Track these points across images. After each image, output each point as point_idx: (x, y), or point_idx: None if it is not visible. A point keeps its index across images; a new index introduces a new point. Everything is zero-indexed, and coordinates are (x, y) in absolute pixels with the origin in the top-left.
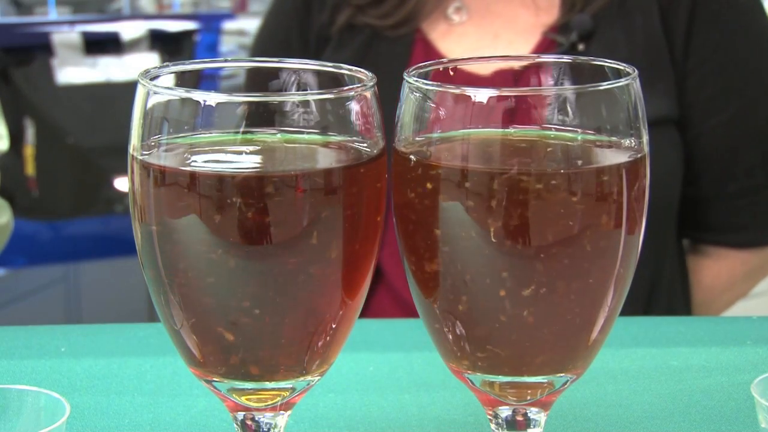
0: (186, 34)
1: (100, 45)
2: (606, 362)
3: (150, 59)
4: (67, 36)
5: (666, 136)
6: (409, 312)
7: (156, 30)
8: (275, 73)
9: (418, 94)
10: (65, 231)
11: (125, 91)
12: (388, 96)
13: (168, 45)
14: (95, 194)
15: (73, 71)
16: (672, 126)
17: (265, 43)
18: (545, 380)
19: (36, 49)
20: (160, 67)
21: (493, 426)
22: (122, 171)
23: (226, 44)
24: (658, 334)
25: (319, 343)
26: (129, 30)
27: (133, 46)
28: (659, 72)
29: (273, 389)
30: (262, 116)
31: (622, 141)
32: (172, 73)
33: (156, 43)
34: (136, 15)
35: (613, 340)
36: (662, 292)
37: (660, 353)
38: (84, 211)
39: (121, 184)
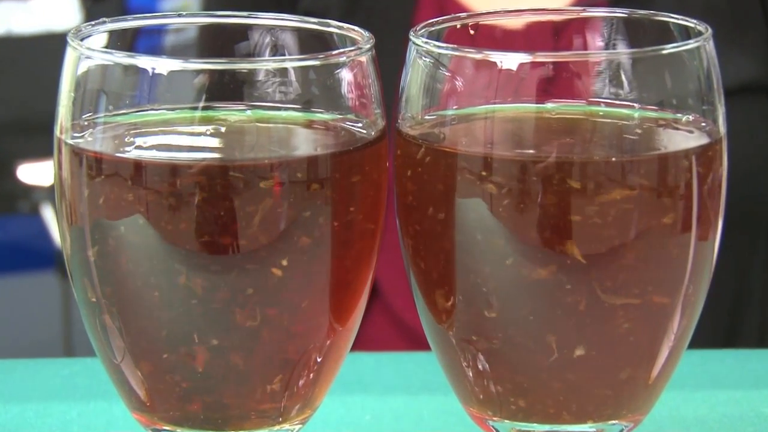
0: None
1: None
2: (675, 407)
3: (65, 5)
4: None
5: (754, 108)
6: (415, 341)
7: None
8: (244, 31)
9: (428, 60)
10: None
11: (32, 47)
12: (388, 61)
13: None
14: None
15: None
16: (763, 95)
17: None
18: (593, 429)
19: None
20: (95, 24)
21: None
22: (29, 156)
23: None
24: (746, 373)
25: (300, 382)
26: None
27: None
28: (746, 22)
29: None
30: (227, 88)
31: (692, 119)
32: (109, 31)
33: None
34: None
35: (684, 379)
36: (751, 317)
37: (747, 397)
38: None
39: (28, 173)
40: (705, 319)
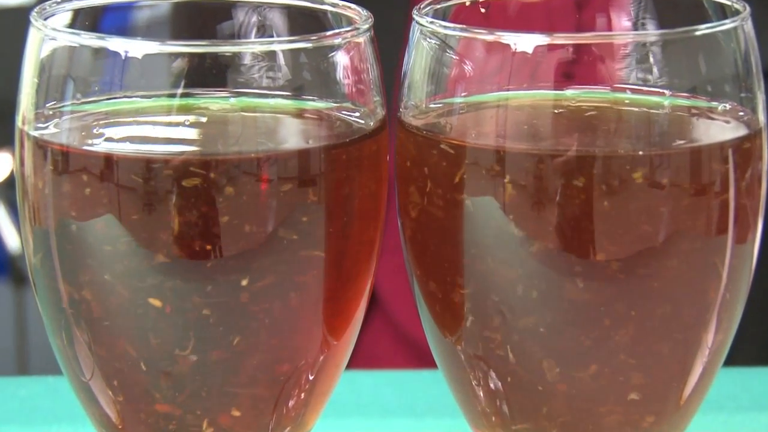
0: None
1: None
2: (713, 430)
3: None
4: None
5: None
6: (420, 356)
7: None
8: (227, 9)
9: (433, 41)
10: None
11: None
12: (389, 43)
13: None
14: None
15: None
16: None
17: None
18: None
19: None
20: (60, 1)
21: None
22: None
23: None
24: None
25: (290, 403)
26: None
27: None
28: None
29: None
30: (208, 74)
31: (728, 108)
32: (76, 9)
33: None
34: None
35: (721, 399)
36: None
37: None
38: None
39: None
40: (752, 332)
